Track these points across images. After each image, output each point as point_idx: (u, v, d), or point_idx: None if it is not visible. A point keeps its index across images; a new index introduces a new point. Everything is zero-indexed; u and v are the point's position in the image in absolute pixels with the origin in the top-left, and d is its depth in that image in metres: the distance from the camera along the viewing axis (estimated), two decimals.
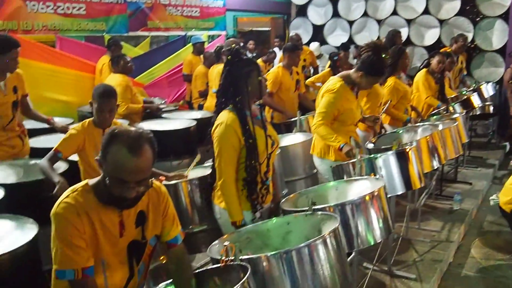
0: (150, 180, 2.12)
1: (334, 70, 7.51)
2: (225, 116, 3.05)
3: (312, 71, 8.51)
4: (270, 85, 6.04)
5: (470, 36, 10.02)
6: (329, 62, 8.45)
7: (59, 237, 2.01)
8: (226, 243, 2.29)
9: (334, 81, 4.07)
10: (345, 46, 8.86)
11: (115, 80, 5.70)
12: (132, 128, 2.05)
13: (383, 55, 4.04)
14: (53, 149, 3.55)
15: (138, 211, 2.20)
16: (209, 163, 4.00)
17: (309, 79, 7.54)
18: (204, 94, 7.70)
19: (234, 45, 3.20)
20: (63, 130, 4.52)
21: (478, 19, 10.39)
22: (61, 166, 3.83)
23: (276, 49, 9.78)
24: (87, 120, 3.74)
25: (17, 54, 4.18)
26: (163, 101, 7.71)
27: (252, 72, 3.10)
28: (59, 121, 5.25)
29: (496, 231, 5.52)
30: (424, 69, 6.63)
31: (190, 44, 8.84)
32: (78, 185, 2.13)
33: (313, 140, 4.35)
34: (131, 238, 2.20)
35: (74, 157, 3.73)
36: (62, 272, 2.01)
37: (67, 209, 2.02)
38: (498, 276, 4.46)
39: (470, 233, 5.46)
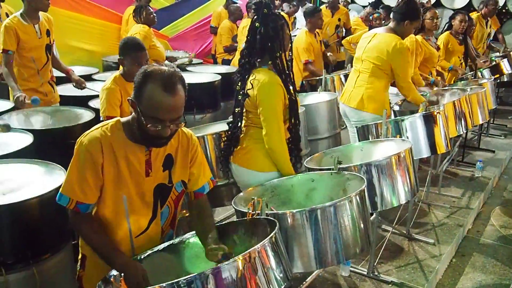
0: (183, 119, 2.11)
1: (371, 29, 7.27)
2: (267, 75, 2.95)
3: (344, 32, 8.28)
4: (307, 53, 5.99)
5: (501, 0, 9.70)
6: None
7: (74, 164, 2.06)
8: (253, 196, 2.31)
9: (400, 41, 4.04)
10: (374, 4, 8.63)
11: (135, 29, 5.65)
12: (164, 67, 2.02)
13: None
14: (105, 118, 3.48)
15: (166, 154, 2.21)
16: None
17: (346, 39, 7.35)
18: (230, 50, 7.62)
19: None
20: (79, 83, 4.60)
21: None
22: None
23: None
24: (115, 75, 3.64)
25: None
26: (187, 55, 7.67)
27: (284, 25, 3.02)
28: (81, 71, 5.36)
29: None
30: (447, 32, 6.47)
31: None
32: (110, 120, 2.16)
33: (360, 95, 4.20)
34: (158, 181, 2.21)
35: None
36: (60, 195, 2.08)
37: (92, 141, 2.05)
38: None
39: (490, 201, 5.43)
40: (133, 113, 2.10)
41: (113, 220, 2.15)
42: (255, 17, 3.04)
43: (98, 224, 2.14)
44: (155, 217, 2.27)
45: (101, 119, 3.53)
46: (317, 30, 6.34)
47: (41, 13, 4.43)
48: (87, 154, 2.03)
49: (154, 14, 5.89)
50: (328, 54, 6.73)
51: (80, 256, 2.29)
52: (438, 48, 5.91)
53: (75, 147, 2.08)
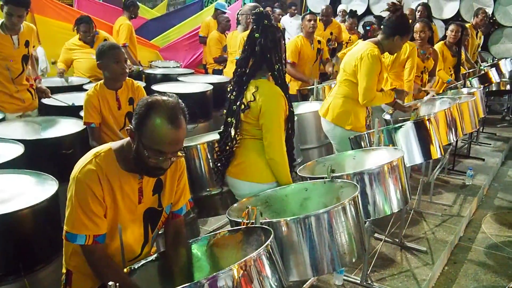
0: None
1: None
2: (271, 86, 2.96)
3: (336, 44, 8.31)
4: (290, 55, 5.90)
5: (489, 11, 9.81)
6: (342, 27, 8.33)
7: (77, 201, 2.00)
8: (248, 206, 2.31)
9: (371, 48, 3.97)
10: (353, 13, 8.68)
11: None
12: (165, 97, 2.00)
13: None
14: (84, 124, 3.65)
15: (156, 179, 2.20)
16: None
17: (342, 51, 7.31)
18: (220, 60, 7.62)
19: (261, 8, 3.10)
20: (43, 92, 4.69)
21: None
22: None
23: (286, 16, 9.67)
24: (98, 82, 3.70)
25: (14, 11, 4.20)
26: (178, 65, 7.68)
27: (281, 38, 3.03)
28: (71, 81, 5.52)
29: (508, 207, 5.51)
30: (441, 42, 6.57)
31: (207, 8, 8.74)
32: (101, 149, 2.10)
33: (328, 104, 4.25)
34: (148, 205, 2.20)
35: None
36: (74, 236, 2.02)
37: (89, 176, 2.00)
38: (508, 252, 4.47)
39: (481, 209, 5.45)
40: (128, 141, 2.08)
41: (107, 245, 2.13)
42: (254, 27, 3.01)
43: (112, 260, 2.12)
44: (147, 242, 2.27)
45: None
46: (316, 39, 6.34)
47: (23, 24, 4.44)
48: (87, 189, 2.00)
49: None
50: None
51: (64, 271, 2.26)
52: (426, 58, 5.96)
53: (71, 184, 2.04)
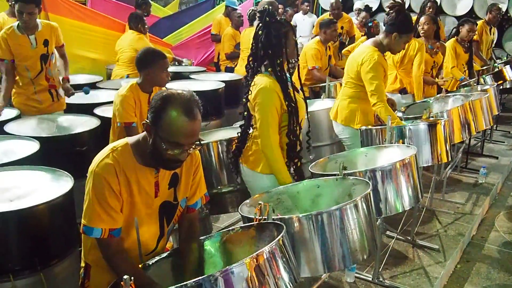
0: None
1: (369, 37, 7.25)
2: (265, 81, 3.01)
3: (348, 39, 8.27)
4: (314, 60, 6.08)
5: (504, 7, 9.73)
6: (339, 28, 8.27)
7: (94, 195, 2.04)
8: (260, 202, 2.32)
9: (371, 52, 3.93)
10: (368, 8, 8.65)
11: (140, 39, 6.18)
12: (179, 91, 2.04)
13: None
14: (123, 124, 3.54)
15: (172, 173, 2.23)
16: (237, 124, 4.02)
17: (346, 49, 7.33)
18: (232, 57, 7.63)
19: (267, 6, 3.14)
20: (66, 90, 4.69)
21: None
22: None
23: (299, 14, 9.61)
24: (132, 83, 3.64)
25: (24, 9, 4.21)
26: (190, 62, 7.71)
27: (289, 33, 3.06)
28: (85, 79, 5.61)
29: None
30: (453, 38, 6.53)
31: (219, 6, 8.75)
32: (118, 144, 2.14)
33: (336, 107, 4.27)
34: (164, 199, 2.23)
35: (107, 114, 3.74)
36: (90, 229, 2.05)
37: (106, 169, 2.03)
38: None
39: (494, 207, 5.42)
40: (144, 136, 2.11)
41: (123, 239, 2.16)
42: (259, 24, 3.08)
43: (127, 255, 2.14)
44: (163, 235, 2.30)
45: (118, 124, 3.55)
46: (329, 44, 6.36)
47: (42, 22, 4.48)
48: (104, 182, 2.02)
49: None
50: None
51: (82, 265, 2.29)
52: (435, 53, 5.93)
53: (89, 178, 2.07)
